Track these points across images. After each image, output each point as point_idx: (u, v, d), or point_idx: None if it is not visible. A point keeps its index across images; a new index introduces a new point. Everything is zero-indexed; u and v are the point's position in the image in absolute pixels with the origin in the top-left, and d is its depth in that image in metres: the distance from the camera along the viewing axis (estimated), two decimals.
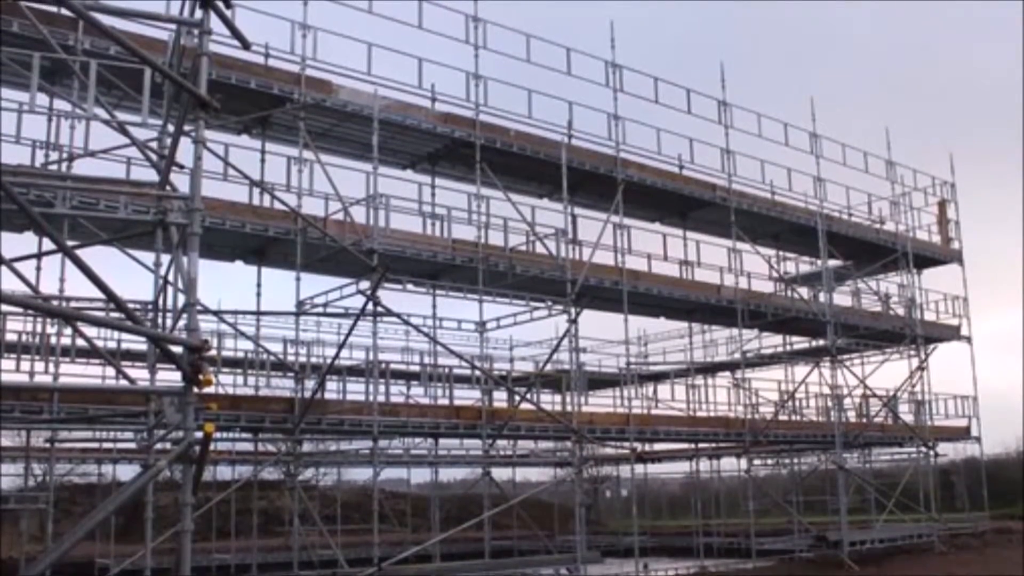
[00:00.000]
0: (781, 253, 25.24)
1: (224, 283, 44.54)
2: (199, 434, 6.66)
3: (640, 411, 21.47)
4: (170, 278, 10.03)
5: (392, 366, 19.68)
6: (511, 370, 27.60)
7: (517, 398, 17.62)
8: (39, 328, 14.41)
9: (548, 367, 21.08)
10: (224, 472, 25.96)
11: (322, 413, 15.24)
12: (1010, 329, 60.96)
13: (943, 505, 25.81)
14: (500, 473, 24.95)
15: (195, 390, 6.66)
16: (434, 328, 17.62)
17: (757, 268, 23.08)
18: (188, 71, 8.26)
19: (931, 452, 25.00)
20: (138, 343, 17.83)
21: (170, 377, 10.60)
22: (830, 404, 23.55)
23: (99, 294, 7.92)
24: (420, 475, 27.34)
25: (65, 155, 12.91)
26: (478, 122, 17.19)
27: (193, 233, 7.11)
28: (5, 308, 12.28)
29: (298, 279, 15.30)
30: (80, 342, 14.60)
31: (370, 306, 14.36)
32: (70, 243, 9.80)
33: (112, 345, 18.14)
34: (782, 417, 23.12)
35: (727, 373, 26.46)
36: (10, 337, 14.45)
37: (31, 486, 20.94)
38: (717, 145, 21.31)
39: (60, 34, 12.18)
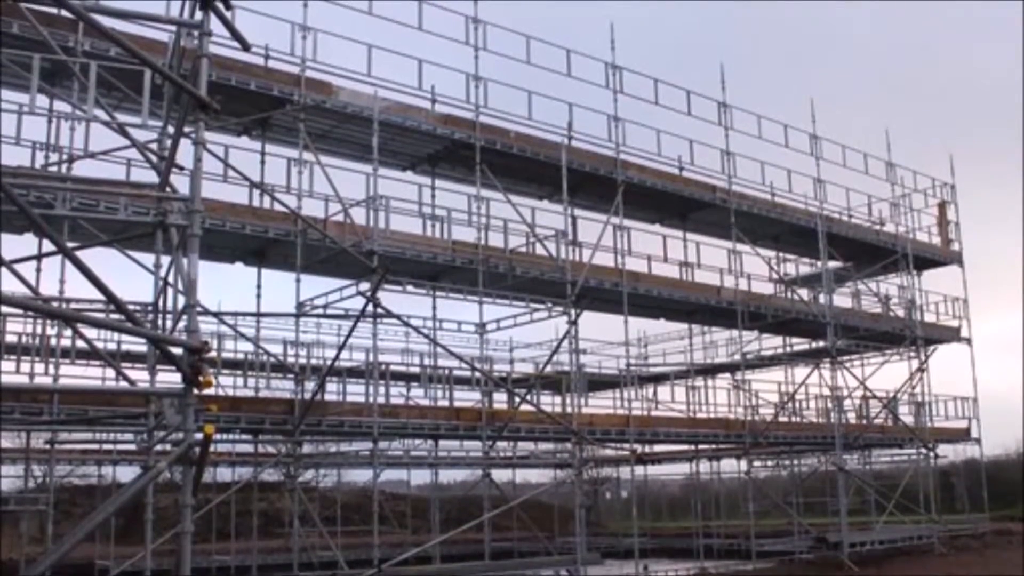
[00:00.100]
0: (781, 254, 25.25)
1: (224, 285, 43.95)
2: (199, 435, 6.65)
3: (640, 412, 21.47)
4: (170, 279, 10.03)
5: (392, 368, 19.68)
6: (511, 372, 27.61)
7: (517, 400, 17.61)
8: (39, 329, 14.39)
9: (548, 369, 21.10)
10: (224, 473, 26.04)
11: (322, 415, 15.23)
12: (1010, 330, 61.02)
13: (943, 507, 25.82)
14: (500, 475, 24.83)
15: (195, 391, 6.65)
16: (434, 329, 17.60)
17: (757, 269, 23.15)
18: (188, 72, 8.26)
19: (931, 453, 25.02)
20: (138, 344, 17.83)
21: (170, 378, 10.69)
22: (830, 406, 23.54)
23: (99, 295, 7.93)
24: (420, 477, 27.42)
25: (65, 156, 12.90)
26: (478, 124, 17.19)
27: (193, 234, 7.10)
28: (5, 309, 12.30)
29: (298, 280, 15.29)
30: (80, 343, 14.59)
31: (370, 308, 14.33)
32: (70, 244, 9.82)
33: (112, 346, 18.09)
34: (782, 419, 23.09)
35: (727, 374, 26.46)
36: (10, 339, 14.42)
37: (31, 487, 20.96)
38: (717, 147, 21.34)
39: (60, 35, 12.17)
